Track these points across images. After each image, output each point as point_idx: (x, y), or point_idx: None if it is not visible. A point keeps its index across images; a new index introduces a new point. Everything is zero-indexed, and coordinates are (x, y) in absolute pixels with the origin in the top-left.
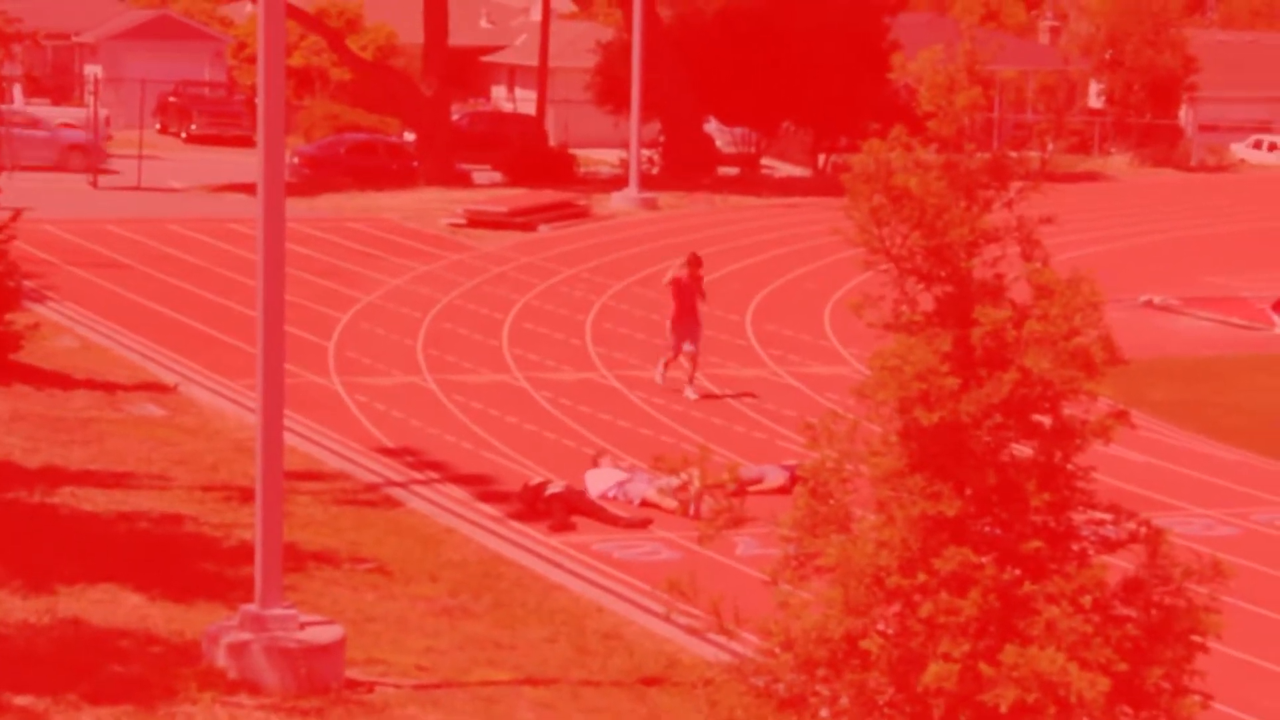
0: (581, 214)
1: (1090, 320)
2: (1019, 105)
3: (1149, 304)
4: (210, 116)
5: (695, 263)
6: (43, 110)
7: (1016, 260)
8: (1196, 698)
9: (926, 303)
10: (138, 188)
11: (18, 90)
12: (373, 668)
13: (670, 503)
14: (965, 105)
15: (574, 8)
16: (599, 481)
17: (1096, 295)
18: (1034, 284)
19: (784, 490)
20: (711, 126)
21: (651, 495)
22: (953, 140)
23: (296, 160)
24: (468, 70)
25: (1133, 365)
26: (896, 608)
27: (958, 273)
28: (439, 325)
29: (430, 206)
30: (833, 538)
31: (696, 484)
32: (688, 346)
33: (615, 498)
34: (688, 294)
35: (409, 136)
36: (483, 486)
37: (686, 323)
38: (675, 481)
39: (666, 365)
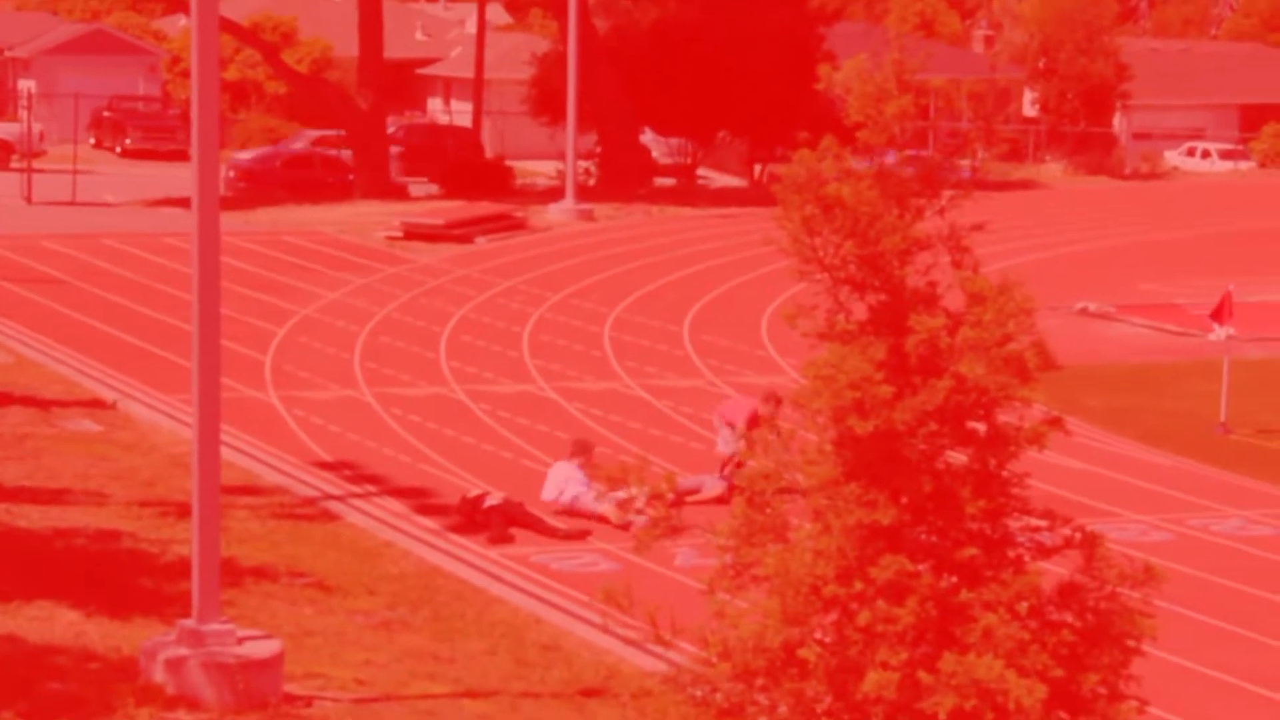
0: (518, 226)
1: (1023, 327)
2: (953, 114)
3: (1084, 311)
4: (145, 131)
5: (773, 401)
6: None
7: (949, 268)
8: (1133, 702)
9: (860, 311)
10: (72, 202)
11: None
12: (311, 682)
13: (614, 514)
14: (895, 114)
15: (509, 19)
16: (557, 479)
17: (1029, 302)
18: (966, 291)
19: (722, 500)
20: (648, 137)
21: (601, 508)
22: (883, 149)
23: (233, 174)
24: (403, 83)
25: (1068, 372)
26: (834, 616)
27: (891, 281)
28: (376, 338)
29: (367, 220)
30: (770, 547)
31: (640, 498)
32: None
33: (564, 506)
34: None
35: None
36: (421, 499)
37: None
38: (620, 496)
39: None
